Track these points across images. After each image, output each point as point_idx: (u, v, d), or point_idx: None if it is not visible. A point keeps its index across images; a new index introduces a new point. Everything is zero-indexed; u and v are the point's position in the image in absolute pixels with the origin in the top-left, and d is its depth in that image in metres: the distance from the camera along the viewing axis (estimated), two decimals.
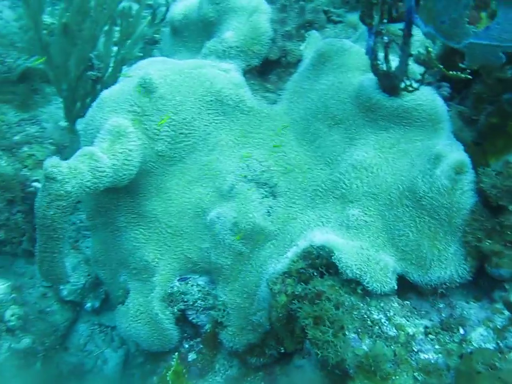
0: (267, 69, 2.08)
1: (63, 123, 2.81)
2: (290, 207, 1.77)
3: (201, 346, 1.89)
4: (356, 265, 1.46)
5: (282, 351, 1.67)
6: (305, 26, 2.17)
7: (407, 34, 1.50)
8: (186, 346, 1.91)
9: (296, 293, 1.53)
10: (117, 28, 2.67)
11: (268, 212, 1.78)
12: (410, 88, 1.62)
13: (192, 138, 1.87)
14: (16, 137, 2.59)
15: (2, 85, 2.88)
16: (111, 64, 2.52)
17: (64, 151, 2.68)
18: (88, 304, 2.59)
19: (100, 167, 1.66)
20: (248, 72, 2.04)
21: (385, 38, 1.61)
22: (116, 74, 2.55)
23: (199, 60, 2.00)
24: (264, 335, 1.74)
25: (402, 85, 1.64)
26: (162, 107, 1.83)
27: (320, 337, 1.42)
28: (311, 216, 1.71)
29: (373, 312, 1.49)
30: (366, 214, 1.61)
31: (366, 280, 1.45)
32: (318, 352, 1.41)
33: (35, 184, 2.35)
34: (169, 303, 1.84)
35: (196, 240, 1.84)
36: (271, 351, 1.74)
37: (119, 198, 1.91)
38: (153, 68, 1.90)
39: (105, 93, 1.90)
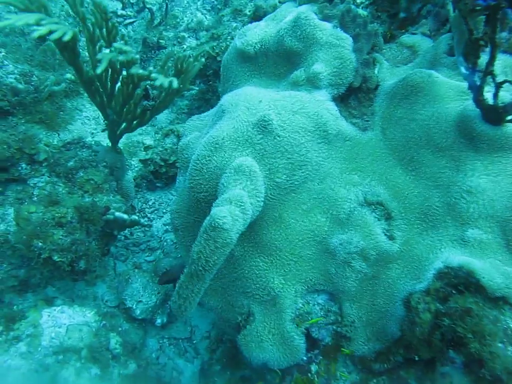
0: (346, 94, 2.23)
1: (107, 143, 2.80)
2: (407, 228, 1.97)
3: (321, 357, 2.08)
4: (501, 283, 1.70)
5: (417, 358, 1.90)
6: (371, 51, 2.34)
7: None
8: (305, 358, 2.09)
9: (442, 310, 1.76)
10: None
11: (386, 234, 1.98)
12: None
13: (305, 169, 2.00)
14: (71, 163, 2.56)
15: (30, 106, 2.79)
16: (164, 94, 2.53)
17: (117, 173, 2.68)
18: (158, 320, 2.67)
19: (247, 210, 1.77)
20: (334, 99, 2.19)
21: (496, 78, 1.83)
22: (168, 104, 2.58)
23: (298, 92, 2.10)
24: (390, 344, 1.97)
25: (509, 117, 1.87)
26: (279, 143, 1.95)
27: (482, 349, 1.66)
28: (431, 236, 1.93)
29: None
30: (485, 232, 1.86)
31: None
32: (486, 361, 1.65)
33: (118, 214, 2.37)
34: (298, 323, 2.00)
35: (318, 265, 2.00)
36: (397, 357, 1.98)
37: None
38: (266, 105, 2.00)
39: (221, 133, 1.97)
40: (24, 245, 2.19)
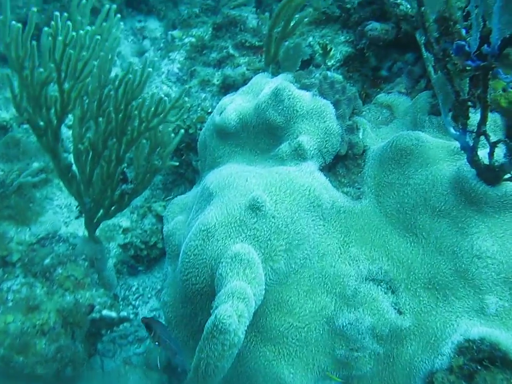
0: (334, 163, 2.16)
1: (83, 232, 2.65)
2: (416, 300, 1.87)
3: None
4: None
5: None
6: (352, 114, 2.29)
7: None
8: None
9: None
10: None
11: (395, 308, 1.87)
12: None
13: (303, 249, 1.90)
14: (47, 260, 2.39)
15: None
16: (143, 176, 2.42)
17: (98, 264, 2.53)
18: None
19: (251, 302, 1.64)
20: (323, 169, 2.11)
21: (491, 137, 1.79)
22: (147, 185, 2.48)
23: (285, 167, 2.02)
24: None
25: (507, 176, 1.82)
26: (274, 225, 1.84)
27: None
28: (444, 307, 1.83)
29: None
30: (501, 299, 1.77)
31: None
32: None
33: (105, 313, 2.20)
34: None
35: (327, 349, 1.87)
36: None
37: None
38: (255, 184, 1.90)
39: (212, 220, 1.86)
40: (3, 361, 2.00)
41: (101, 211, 2.54)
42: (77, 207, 3.03)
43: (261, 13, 3.30)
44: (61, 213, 3.06)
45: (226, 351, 1.53)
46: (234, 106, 2.22)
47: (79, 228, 2.90)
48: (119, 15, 2.34)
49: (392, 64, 2.67)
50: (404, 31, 2.55)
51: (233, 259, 1.74)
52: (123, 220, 3.14)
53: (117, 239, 3.06)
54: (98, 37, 2.07)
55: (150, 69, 2.08)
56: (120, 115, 2.15)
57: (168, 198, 3.18)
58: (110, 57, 2.36)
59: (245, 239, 1.82)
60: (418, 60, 2.57)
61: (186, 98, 2.42)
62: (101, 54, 2.27)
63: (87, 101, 2.31)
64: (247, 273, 1.72)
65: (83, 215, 2.66)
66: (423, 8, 1.74)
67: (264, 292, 1.76)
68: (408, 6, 2.39)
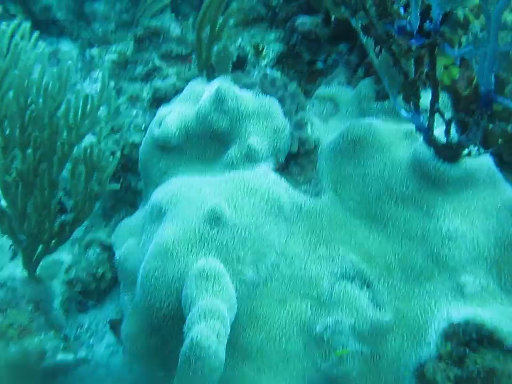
0: (286, 162, 2.07)
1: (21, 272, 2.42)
2: (394, 292, 1.79)
3: None
4: None
5: None
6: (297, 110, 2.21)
7: (484, 111, 1.64)
8: None
9: (463, 376, 1.57)
10: None
11: (373, 303, 1.78)
12: (473, 153, 1.78)
13: (270, 255, 1.78)
14: None
15: None
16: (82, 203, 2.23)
17: (43, 305, 2.31)
18: None
19: (226, 319, 1.52)
20: (276, 170, 2.01)
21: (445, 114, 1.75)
22: (89, 212, 2.29)
23: (238, 171, 1.90)
24: None
25: (466, 152, 1.78)
26: (237, 233, 1.72)
27: None
28: (421, 294, 1.76)
29: None
30: (477, 277, 1.72)
31: None
32: None
33: (60, 357, 1.99)
34: None
35: (309, 358, 1.75)
36: None
37: None
38: (209, 193, 1.77)
39: (169, 238, 1.71)
40: None
41: (40, 247, 2.33)
42: (10, 246, 2.78)
43: (183, 20, 3.19)
44: None
45: (209, 376, 1.39)
46: (174, 116, 2.08)
47: (15, 270, 2.65)
48: (37, 33, 2.15)
49: (327, 57, 2.61)
50: (334, 21, 2.51)
51: (199, 276, 1.61)
52: (64, 254, 2.91)
53: (60, 276, 2.83)
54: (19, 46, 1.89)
55: (70, 61, 1.92)
56: (46, 131, 1.97)
57: (109, 225, 2.98)
58: (26, 81, 2.15)
59: (208, 252, 1.69)
60: (352, 49, 2.52)
61: (112, 87, 2.23)
62: (15, 73, 2.07)
63: (7, 128, 2.10)
64: (215, 289, 1.58)
65: (19, 254, 2.44)
66: None
67: (236, 305, 1.63)
68: None
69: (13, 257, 2.78)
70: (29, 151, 1.99)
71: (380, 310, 1.76)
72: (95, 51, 3.57)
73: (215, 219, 1.70)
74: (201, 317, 1.48)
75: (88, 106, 1.96)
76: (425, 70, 1.71)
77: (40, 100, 2.00)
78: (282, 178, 1.96)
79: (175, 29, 3.11)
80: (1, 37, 2.16)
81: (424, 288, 1.77)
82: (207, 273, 1.60)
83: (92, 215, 3.00)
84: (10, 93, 2.08)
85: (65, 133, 2.00)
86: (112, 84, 2.15)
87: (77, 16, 4.29)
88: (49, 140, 2.00)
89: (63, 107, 1.97)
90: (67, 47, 4.37)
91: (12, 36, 2.19)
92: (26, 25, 2.24)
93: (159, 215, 1.86)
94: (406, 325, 1.74)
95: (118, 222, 2.49)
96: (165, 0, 3.75)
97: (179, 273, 1.66)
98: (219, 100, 1.96)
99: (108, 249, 2.73)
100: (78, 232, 2.95)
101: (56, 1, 4.27)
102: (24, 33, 2.19)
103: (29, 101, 2.06)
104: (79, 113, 1.97)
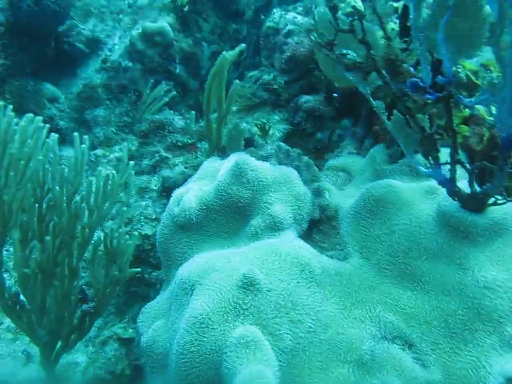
0: (308, 230, 2.06)
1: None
2: (437, 350, 1.71)
3: None
4: None
5: None
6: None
7: (507, 156, 1.67)
8: None
9: None
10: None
11: (418, 363, 1.70)
12: (499, 202, 1.78)
13: (306, 321, 1.72)
14: None
15: None
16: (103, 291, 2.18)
17: None
18: None
19: None
20: (301, 238, 1.99)
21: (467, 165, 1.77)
22: (108, 300, 2.23)
23: (264, 241, 1.88)
24: None
25: (491, 201, 1.79)
26: (272, 299, 1.67)
27: None
28: (468, 350, 1.68)
29: None
30: None
31: None
32: None
33: None
34: None
35: None
36: None
37: None
38: (239, 262, 1.73)
39: (203, 309, 1.64)
40: None
41: (59, 343, 2.23)
42: (23, 351, 2.66)
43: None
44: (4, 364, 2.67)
45: None
46: (193, 194, 2.08)
47: (31, 374, 2.52)
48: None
49: (331, 133, 2.68)
50: (337, 98, 2.60)
51: (238, 345, 1.53)
52: (78, 356, 2.78)
53: (76, 379, 2.68)
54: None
55: (84, 145, 1.94)
56: (64, 217, 1.95)
57: (125, 320, 2.88)
58: (42, 170, 2.15)
59: (244, 320, 1.62)
60: (356, 123, 2.60)
61: (132, 165, 2.23)
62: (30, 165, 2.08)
63: (25, 219, 2.08)
64: (258, 357, 1.50)
65: (34, 358, 2.33)
66: (372, 52, 1.76)
67: (279, 374, 1.54)
68: None
69: (26, 363, 2.66)
70: (48, 237, 1.96)
71: (426, 369, 1.67)
72: (100, 151, 3.64)
73: (249, 285, 1.65)
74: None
75: (109, 187, 1.96)
76: (442, 122, 1.75)
77: (57, 187, 2.00)
78: (309, 245, 1.93)
79: (178, 121, 3.20)
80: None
81: (470, 343, 1.69)
82: (246, 341, 1.53)
83: (104, 313, 2.92)
84: (28, 185, 2.07)
85: (85, 216, 1.98)
86: (132, 163, 2.15)
87: (78, 124, 4.43)
88: (68, 226, 1.98)
89: (83, 189, 1.97)
90: (69, 154, 4.46)
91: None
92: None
93: (188, 290, 1.80)
94: (458, 382, 1.64)
95: (133, 317, 2.41)
96: (163, 100, 3.92)
97: (217, 344, 1.58)
98: (239, 172, 1.98)
99: (127, 343, 2.63)
100: (91, 332, 2.84)
101: (58, 111, 4.43)
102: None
103: (45, 189, 2.06)
104: (100, 193, 1.97)
